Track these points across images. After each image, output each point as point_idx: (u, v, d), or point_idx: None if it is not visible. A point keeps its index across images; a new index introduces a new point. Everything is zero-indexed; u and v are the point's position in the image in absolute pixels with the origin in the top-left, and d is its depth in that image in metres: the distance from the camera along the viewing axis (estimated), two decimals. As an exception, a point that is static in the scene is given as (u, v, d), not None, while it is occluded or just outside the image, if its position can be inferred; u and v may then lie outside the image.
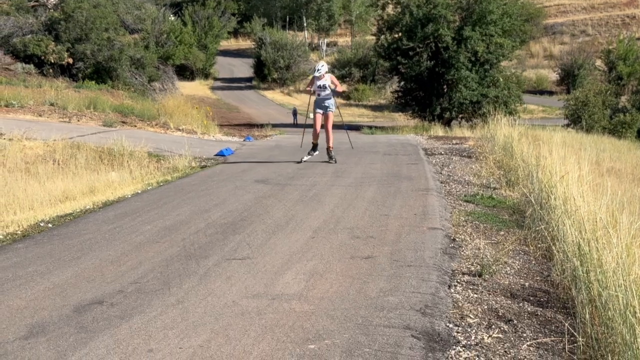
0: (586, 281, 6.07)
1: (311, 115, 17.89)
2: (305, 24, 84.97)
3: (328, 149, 17.59)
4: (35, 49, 36.43)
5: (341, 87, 18.63)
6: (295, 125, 33.16)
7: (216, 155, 19.77)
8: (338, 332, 5.80)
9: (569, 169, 9.73)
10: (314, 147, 17.85)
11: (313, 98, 17.78)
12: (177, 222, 10.39)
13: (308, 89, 17.91)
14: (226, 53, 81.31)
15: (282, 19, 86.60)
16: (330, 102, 17.35)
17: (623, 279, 5.43)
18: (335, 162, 17.24)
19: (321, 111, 17.42)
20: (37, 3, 42.56)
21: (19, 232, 10.31)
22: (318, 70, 17.05)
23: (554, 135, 19.47)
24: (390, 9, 41.17)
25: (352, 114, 50.54)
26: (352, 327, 5.90)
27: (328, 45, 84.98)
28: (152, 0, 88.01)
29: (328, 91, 17.16)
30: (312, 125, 17.72)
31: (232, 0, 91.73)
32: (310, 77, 18.34)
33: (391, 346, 5.51)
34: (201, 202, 12.09)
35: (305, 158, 17.62)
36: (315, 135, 17.59)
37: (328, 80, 17.01)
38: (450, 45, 36.87)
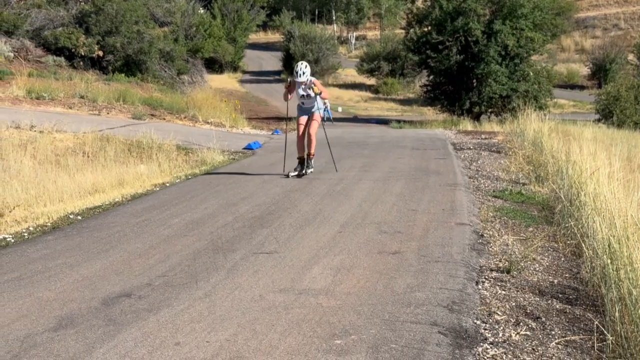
0: (616, 279, 6.00)
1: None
2: (334, 18, 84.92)
3: (308, 155, 14.39)
4: (66, 42, 36.63)
5: (327, 94, 14.85)
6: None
7: (244, 148, 19.82)
8: (365, 327, 5.79)
9: (599, 165, 9.63)
10: (301, 162, 14.38)
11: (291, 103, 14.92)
12: (204, 216, 10.43)
13: (286, 91, 14.51)
14: (255, 46, 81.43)
15: (311, 13, 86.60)
16: (316, 106, 14.36)
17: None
18: (311, 172, 14.44)
19: (306, 116, 14.63)
20: (68, -4, 42.89)
21: (48, 224, 10.40)
22: (298, 73, 13.80)
23: (584, 130, 19.29)
24: (419, 3, 41.00)
25: (380, 108, 50.43)
26: (378, 323, 5.88)
27: (357, 38, 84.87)
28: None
29: (314, 102, 14.27)
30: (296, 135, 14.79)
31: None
32: (288, 80, 14.61)
33: (418, 342, 5.49)
34: (229, 196, 12.13)
35: (292, 174, 14.19)
36: (300, 147, 14.49)
37: (312, 87, 13.95)
38: (480, 39, 36.63)
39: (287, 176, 14.04)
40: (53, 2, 40.40)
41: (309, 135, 14.37)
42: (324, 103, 14.57)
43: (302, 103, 14.43)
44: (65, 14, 38.99)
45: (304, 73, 13.72)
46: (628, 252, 6.09)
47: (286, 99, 14.58)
